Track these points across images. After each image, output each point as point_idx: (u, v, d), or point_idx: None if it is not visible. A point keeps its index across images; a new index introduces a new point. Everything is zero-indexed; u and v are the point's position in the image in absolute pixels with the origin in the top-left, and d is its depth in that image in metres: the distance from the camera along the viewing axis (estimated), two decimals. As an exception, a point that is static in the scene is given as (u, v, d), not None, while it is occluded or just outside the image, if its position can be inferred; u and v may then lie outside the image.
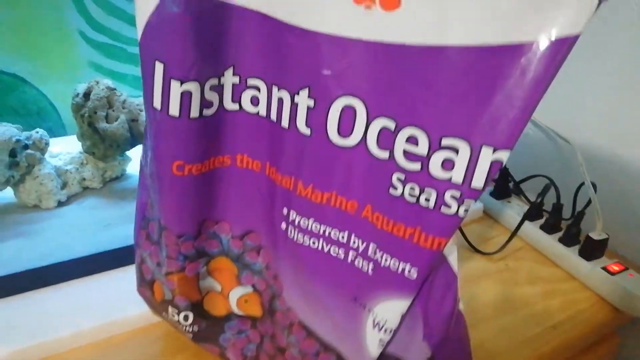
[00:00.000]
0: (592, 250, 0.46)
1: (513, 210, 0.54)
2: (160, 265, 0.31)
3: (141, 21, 0.24)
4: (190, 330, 0.33)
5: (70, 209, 0.49)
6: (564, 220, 0.51)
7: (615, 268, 0.44)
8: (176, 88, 0.24)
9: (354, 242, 0.26)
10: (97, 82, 0.50)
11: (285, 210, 0.28)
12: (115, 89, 0.50)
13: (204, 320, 0.33)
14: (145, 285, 0.33)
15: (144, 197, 0.31)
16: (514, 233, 0.50)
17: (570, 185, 0.51)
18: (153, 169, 0.27)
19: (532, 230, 0.51)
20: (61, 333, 0.35)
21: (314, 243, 0.27)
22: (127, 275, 0.41)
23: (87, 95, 0.49)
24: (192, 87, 0.24)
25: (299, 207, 0.27)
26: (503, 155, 0.20)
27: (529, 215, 0.52)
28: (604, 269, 0.44)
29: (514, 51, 0.18)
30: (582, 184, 0.50)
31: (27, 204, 0.48)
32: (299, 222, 0.27)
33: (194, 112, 0.25)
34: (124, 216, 0.48)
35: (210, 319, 0.33)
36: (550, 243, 0.49)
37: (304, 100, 0.24)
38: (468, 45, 0.19)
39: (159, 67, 0.24)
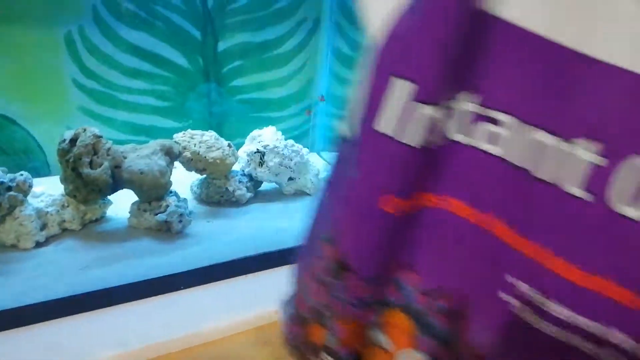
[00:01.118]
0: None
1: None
2: (328, 306, 0.27)
3: (377, 26, 0.21)
4: None
5: (48, 250, 0.50)
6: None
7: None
8: (419, 112, 0.20)
9: (618, 339, 0.19)
10: (85, 130, 0.52)
11: (511, 279, 0.21)
12: (101, 137, 0.53)
13: None
14: (298, 322, 0.29)
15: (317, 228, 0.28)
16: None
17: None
18: (352, 199, 0.24)
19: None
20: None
21: (554, 332, 0.20)
22: (100, 318, 0.43)
23: (73, 141, 0.51)
24: (434, 111, 0.20)
25: (541, 282, 0.20)
26: None
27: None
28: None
29: None
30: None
31: (4, 243, 0.49)
32: (535, 300, 0.21)
33: (421, 140, 0.21)
34: (101, 258, 0.49)
35: None
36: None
37: (582, 151, 0.18)
38: None
39: (399, 86, 0.20)
